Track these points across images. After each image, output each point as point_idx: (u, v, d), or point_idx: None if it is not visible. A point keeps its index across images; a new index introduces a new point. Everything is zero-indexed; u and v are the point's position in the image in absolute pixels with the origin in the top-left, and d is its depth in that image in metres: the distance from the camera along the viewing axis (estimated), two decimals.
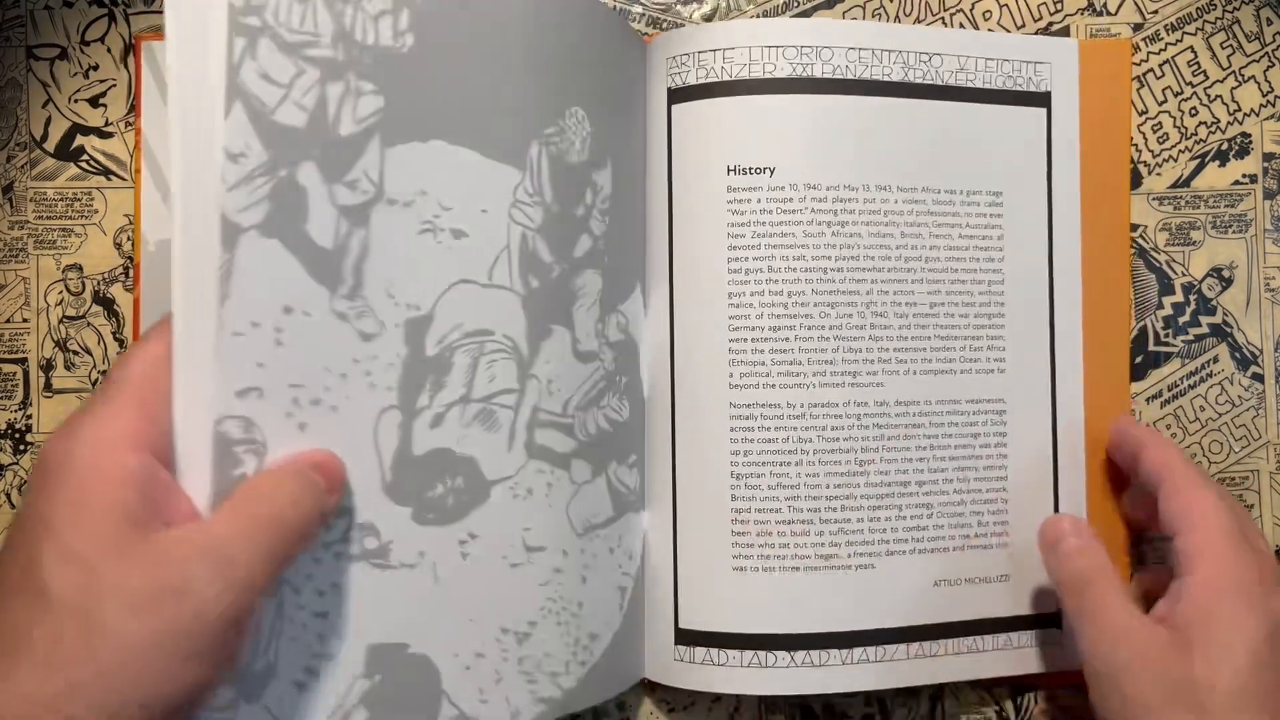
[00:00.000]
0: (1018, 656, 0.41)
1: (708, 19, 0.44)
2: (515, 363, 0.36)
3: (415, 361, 0.33)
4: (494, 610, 0.35)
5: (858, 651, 0.39)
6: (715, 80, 0.40)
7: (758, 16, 0.44)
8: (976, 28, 0.44)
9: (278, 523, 0.27)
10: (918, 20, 0.44)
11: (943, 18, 0.44)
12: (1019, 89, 0.42)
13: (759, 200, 0.39)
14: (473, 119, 0.34)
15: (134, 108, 0.43)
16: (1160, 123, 0.44)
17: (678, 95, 0.40)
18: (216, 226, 0.29)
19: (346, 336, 0.32)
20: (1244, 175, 0.44)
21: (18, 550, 0.26)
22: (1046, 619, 0.41)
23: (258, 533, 0.27)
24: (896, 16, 0.44)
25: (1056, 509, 0.41)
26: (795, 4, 0.44)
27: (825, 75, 0.40)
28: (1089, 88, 0.42)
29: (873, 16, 0.44)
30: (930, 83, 0.41)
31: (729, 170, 0.40)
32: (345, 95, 0.31)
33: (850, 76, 0.40)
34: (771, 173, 0.39)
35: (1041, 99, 0.42)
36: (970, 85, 0.41)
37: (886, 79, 0.40)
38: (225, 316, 0.29)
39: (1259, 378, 0.44)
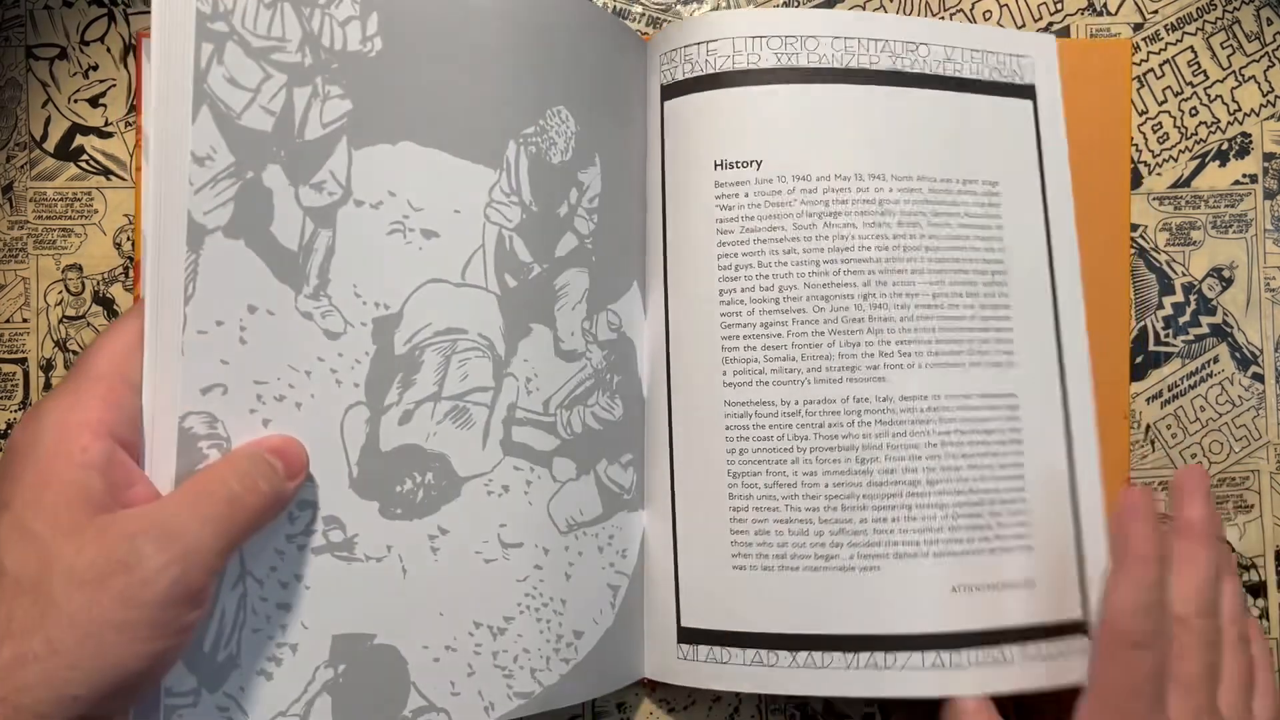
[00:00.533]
0: (1047, 668, 0.38)
1: None
2: (490, 361, 0.36)
3: (383, 359, 0.34)
4: (466, 604, 0.35)
5: (864, 656, 0.38)
6: (701, 74, 0.40)
7: None
8: None
9: (230, 502, 0.28)
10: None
11: (943, 17, 0.44)
12: (1004, 80, 0.42)
13: (747, 194, 0.39)
14: (444, 120, 0.35)
15: (134, 106, 0.43)
16: (1160, 123, 0.44)
17: (669, 91, 0.40)
18: (183, 227, 0.30)
19: (312, 335, 0.32)
20: (1244, 175, 0.44)
21: None
22: (1073, 626, 0.39)
23: (208, 510, 0.27)
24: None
25: (1075, 511, 0.40)
26: (795, 1, 0.44)
27: (811, 65, 0.39)
28: (1084, 85, 0.42)
29: None
30: (918, 71, 0.41)
31: (716, 165, 0.39)
32: (312, 99, 0.32)
33: (837, 65, 0.40)
34: (759, 165, 0.39)
35: (1026, 91, 0.42)
36: (958, 75, 0.41)
37: (873, 67, 0.40)
38: (190, 315, 0.30)
39: (1259, 378, 0.44)
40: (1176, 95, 0.44)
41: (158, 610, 0.26)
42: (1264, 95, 0.44)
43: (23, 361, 0.43)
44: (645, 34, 0.43)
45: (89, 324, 0.43)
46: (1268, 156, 0.44)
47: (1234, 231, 0.44)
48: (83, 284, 0.43)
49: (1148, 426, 0.43)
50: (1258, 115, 0.44)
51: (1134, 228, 0.44)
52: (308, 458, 0.32)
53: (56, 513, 0.26)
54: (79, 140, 0.43)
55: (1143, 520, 0.33)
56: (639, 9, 0.44)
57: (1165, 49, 0.44)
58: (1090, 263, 0.42)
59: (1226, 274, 0.44)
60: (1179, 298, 0.44)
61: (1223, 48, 0.44)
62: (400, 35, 0.33)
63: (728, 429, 0.39)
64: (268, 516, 0.30)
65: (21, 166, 0.43)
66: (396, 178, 0.34)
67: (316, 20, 0.32)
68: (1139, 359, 0.43)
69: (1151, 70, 0.44)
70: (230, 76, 0.31)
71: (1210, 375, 0.44)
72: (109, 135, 0.43)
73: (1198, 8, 0.44)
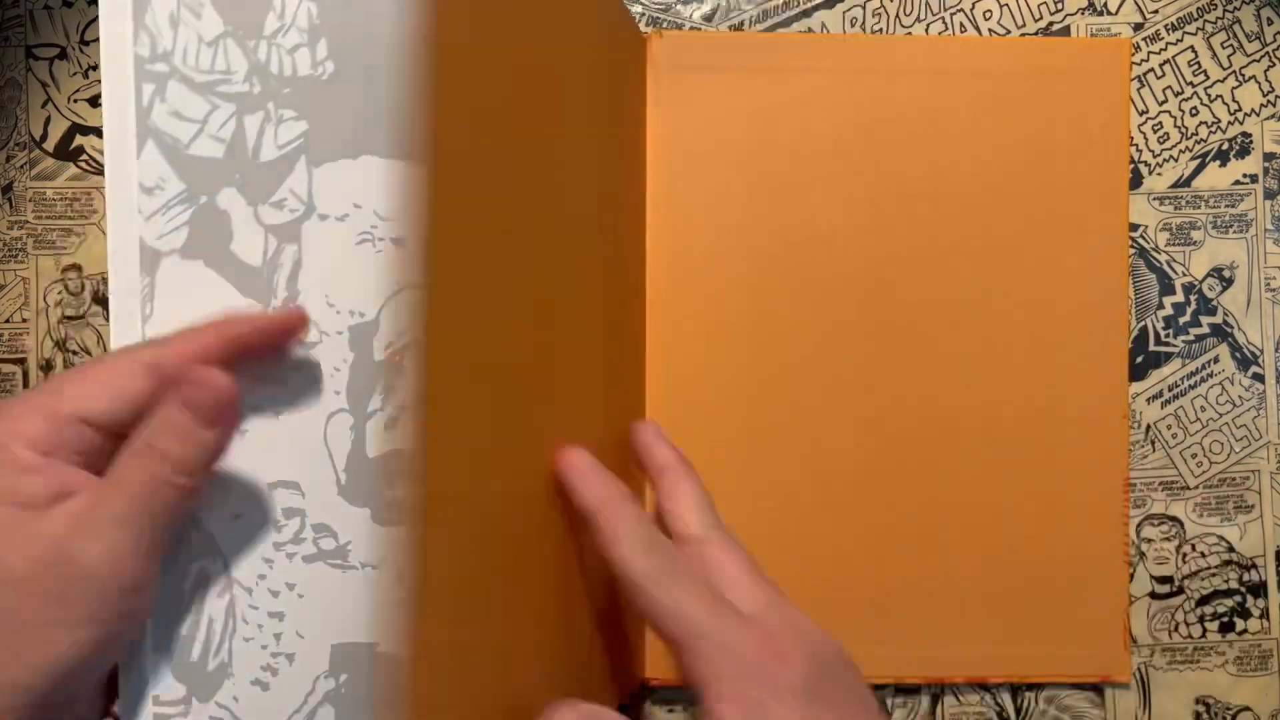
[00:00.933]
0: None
1: (708, 19, 0.44)
2: None
3: (363, 366, 0.34)
4: None
5: None
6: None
7: (757, 16, 0.44)
8: (977, 27, 0.44)
9: (143, 492, 0.27)
10: (918, 19, 0.44)
11: (943, 17, 0.44)
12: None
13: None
14: (404, 133, 0.35)
15: None
16: (1161, 122, 0.44)
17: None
18: (136, 253, 0.32)
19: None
20: (1244, 175, 0.44)
21: None
22: None
23: (122, 506, 0.27)
24: (897, 16, 0.44)
25: None
26: (796, 3, 0.44)
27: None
28: (1083, 84, 0.42)
29: (873, 16, 0.44)
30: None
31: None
32: (265, 123, 0.33)
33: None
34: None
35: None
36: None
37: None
38: (150, 334, 0.32)
39: (1259, 378, 0.44)
40: (1177, 95, 0.44)
41: (91, 605, 0.26)
42: (1264, 95, 0.44)
43: (22, 361, 0.43)
44: (644, 34, 0.43)
45: (88, 324, 0.43)
46: (1268, 156, 0.44)
47: (1234, 231, 0.44)
48: (82, 284, 0.43)
49: (1148, 427, 0.43)
50: (1258, 115, 0.44)
51: (1134, 228, 0.44)
52: (232, 394, 0.28)
53: None
54: (79, 140, 0.43)
55: (586, 470, 0.32)
56: (639, 9, 0.44)
57: (1165, 49, 0.44)
58: (1089, 262, 0.42)
59: (1227, 274, 0.44)
60: (1179, 298, 0.44)
61: (1223, 47, 0.44)
62: (351, 56, 0.34)
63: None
64: (195, 481, 0.28)
65: (21, 166, 0.43)
66: (361, 190, 0.34)
67: (263, 51, 0.33)
68: (1139, 359, 0.43)
69: (1152, 70, 0.44)
70: (175, 111, 0.32)
71: (1210, 375, 0.44)
72: None
73: (1198, 7, 0.44)
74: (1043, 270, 0.42)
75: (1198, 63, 0.44)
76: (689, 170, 0.42)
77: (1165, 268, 0.44)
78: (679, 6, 0.44)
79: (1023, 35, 0.44)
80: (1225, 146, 0.44)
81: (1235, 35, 0.44)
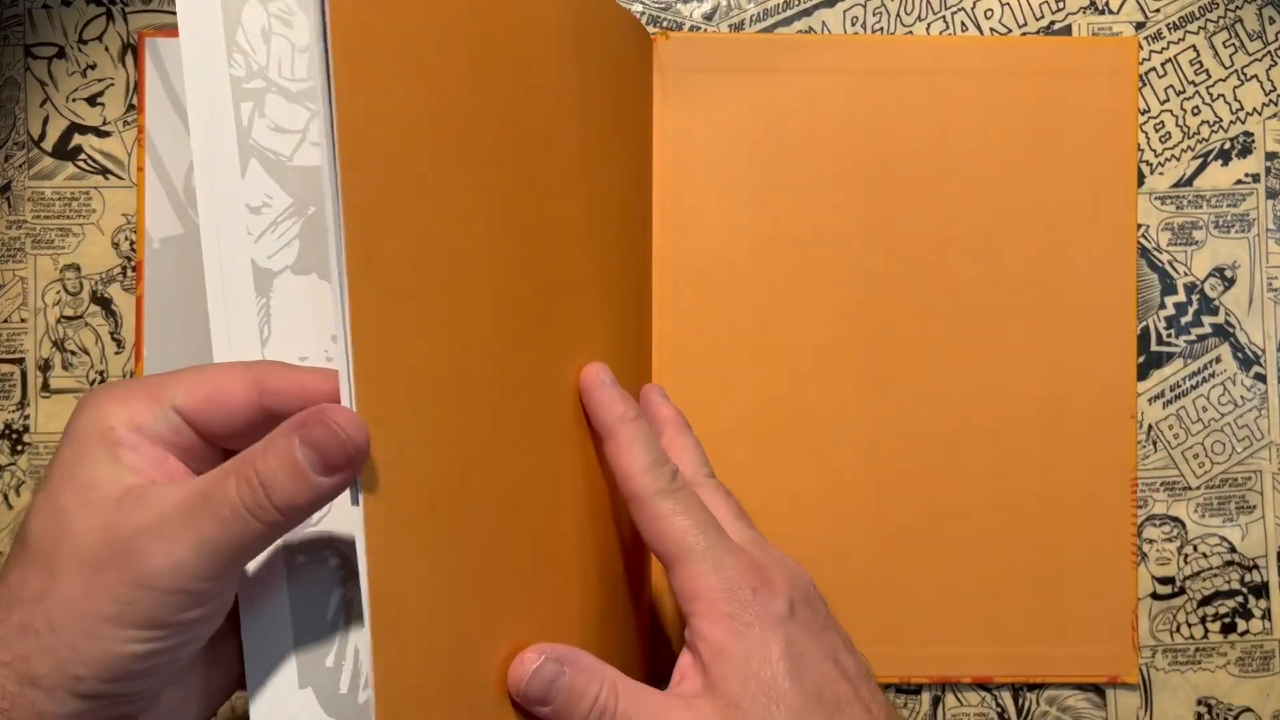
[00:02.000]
0: None
1: (708, 18, 0.44)
2: None
3: None
4: None
5: None
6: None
7: (757, 15, 0.44)
8: (979, 26, 0.44)
9: (232, 520, 0.25)
10: (919, 18, 0.43)
11: (944, 16, 0.44)
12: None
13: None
14: None
15: (134, 105, 0.43)
16: (1162, 122, 0.44)
17: None
18: (249, 275, 0.30)
19: None
20: (1246, 174, 0.44)
21: (31, 500, 0.27)
22: None
23: (207, 528, 0.25)
24: (898, 15, 0.43)
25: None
26: (796, 2, 0.44)
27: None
28: (1090, 84, 0.42)
29: (874, 15, 0.43)
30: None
31: None
32: None
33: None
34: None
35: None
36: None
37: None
38: (270, 356, 0.30)
39: (1261, 378, 0.44)
40: (1179, 94, 0.44)
41: (150, 609, 0.25)
42: (1266, 94, 0.44)
43: (20, 361, 0.43)
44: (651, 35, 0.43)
45: (87, 324, 0.43)
46: (1270, 156, 0.44)
47: (1236, 231, 0.44)
48: (80, 284, 0.43)
49: (1150, 427, 0.43)
50: (1260, 114, 0.44)
51: (1136, 227, 0.43)
52: (361, 442, 0.25)
53: (85, 489, 0.26)
54: (77, 139, 0.43)
55: (607, 385, 0.34)
56: (639, 8, 0.44)
57: (1167, 48, 0.44)
58: (1095, 262, 0.42)
59: (1229, 274, 0.44)
60: (1181, 298, 0.44)
61: (1225, 46, 0.44)
62: None
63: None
64: (291, 523, 0.26)
65: (19, 166, 0.43)
66: None
67: None
68: (1141, 359, 0.43)
69: (1154, 69, 0.44)
70: (275, 125, 0.31)
71: (1212, 375, 0.44)
72: (107, 134, 0.43)
73: (1200, 6, 0.44)
74: (1049, 270, 0.42)
75: (1199, 62, 0.44)
76: (696, 170, 0.42)
77: (1167, 267, 0.44)
78: (679, 5, 0.44)
79: (1024, 34, 0.44)
80: (1227, 146, 0.44)
81: (1237, 34, 0.44)
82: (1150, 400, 0.43)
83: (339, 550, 0.29)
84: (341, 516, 0.29)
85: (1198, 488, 0.43)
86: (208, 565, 0.25)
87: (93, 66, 0.43)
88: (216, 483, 0.25)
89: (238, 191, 0.30)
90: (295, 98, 0.31)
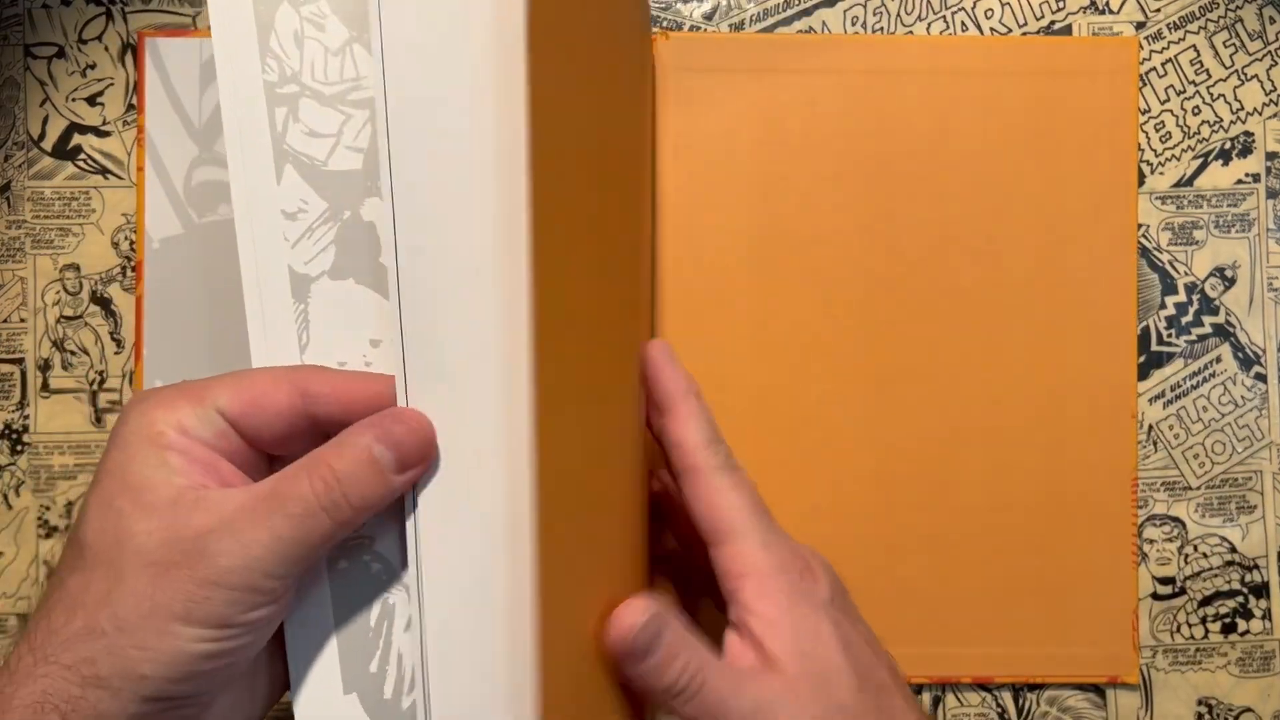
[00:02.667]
0: None
1: (708, 17, 0.44)
2: None
3: None
4: None
5: None
6: None
7: (757, 15, 0.44)
8: (979, 26, 0.44)
9: (305, 517, 0.26)
10: (919, 18, 0.43)
11: (944, 16, 0.44)
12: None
13: None
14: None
15: (134, 105, 0.43)
16: (1163, 121, 0.44)
17: None
18: (286, 281, 0.30)
19: None
20: (1247, 174, 0.44)
21: (82, 505, 0.27)
22: None
23: (279, 526, 0.25)
24: (898, 14, 0.43)
25: None
26: (796, 2, 0.44)
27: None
28: (1090, 83, 0.42)
29: (874, 14, 0.43)
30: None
31: None
32: None
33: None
34: None
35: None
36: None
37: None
38: (308, 361, 0.30)
39: (1262, 378, 0.44)
40: (1179, 94, 0.44)
41: (219, 607, 0.25)
42: (1266, 94, 0.44)
43: (20, 361, 0.43)
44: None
45: (86, 324, 0.43)
46: (1270, 156, 0.44)
47: (1236, 231, 0.44)
48: (80, 284, 0.43)
49: (1150, 427, 0.43)
50: (1260, 114, 0.44)
51: (1136, 227, 0.43)
52: (434, 440, 0.27)
53: (139, 491, 0.26)
54: (77, 139, 0.43)
55: (674, 363, 0.34)
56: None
57: (1167, 48, 0.44)
58: (1096, 261, 0.42)
59: (1229, 274, 0.44)
60: (1181, 297, 0.44)
61: (1225, 46, 0.44)
62: None
63: None
64: (360, 519, 0.27)
65: (19, 165, 0.43)
66: None
67: None
68: (1141, 359, 0.43)
69: (1154, 69, 0.44)
70: (310, 130, 0.31)
71: (1213, 375, 0.44)
72: (107, 134, 0.43)
73: (1200, 6, 0.44)
74: (1050, 270, 0.42)
75: (1200, 62, 0.44)
76: (696, 169, 0.42)
77: (1167, 267, 0.44)
78: (679, 5, 0.44)
79: (1024, 34, 0.44)
80: (1227, 146, 0.44)
81: (1237, 34, 0.44)
82: (1151, 400, 0.43)
83: (380, 555, 0.29)
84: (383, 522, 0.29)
85: (1198, 488, 0.43)
86: (279, 563, 0.25)
87: (92, 66, 0.43)
88: (288, 481, 0.26)
89: (273, 197, 0.30)
90: (329, 101, 0.31)
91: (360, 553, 0.29)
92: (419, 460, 0.27)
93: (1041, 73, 0.42)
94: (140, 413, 0.27)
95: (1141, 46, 0.44)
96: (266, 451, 0.28)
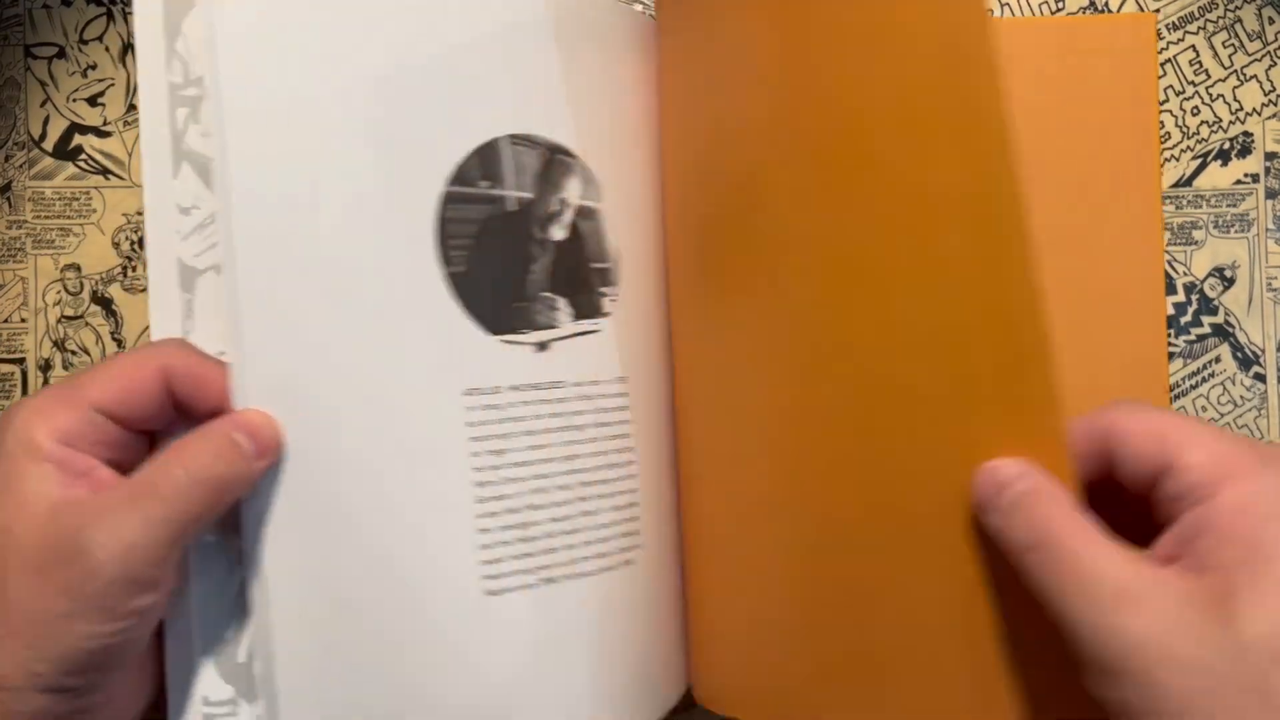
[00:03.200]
0: None
1: None
2: None
3: None
4: None
5: None
6: None
7: None
8: None
9: (175, 497, 0.28)
10: None
11: None
12: None
13: None
14: None
15: (135, 105, 0.43)
16: (1162, 122, 0.44)
17: None
18: (176, 271, 0.32)
19: None
20: (1246, 175, 0.44)
21: None
22: None
23: (152, 508, 0.27)
24: None
25: None
26: None
27: None
28: (1108, 62, 0.42)
29: None
30: None
31: None
32: None
33: None
34: None
35: None
36: None
37: None
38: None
39: (1261, 378, 0.44)
40: (1178, 94, 0.44)
41: (103, 600, 0.26)
42: (1265, 94, 0.44)
43: (21, 361, 0.43)
44: None
45: (87, 324, 0.43)
46: (1269, 156, 0.44)
47: (1236, 231, 0.44)
48: (81, 284, 0.43)
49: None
50: (1259, 114, 0.44)
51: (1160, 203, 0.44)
52: (281, 435, 0.30)
53: (20, 504, 0.27)
54: (77, 139, 0.43)
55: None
56: (639, 8, 0.44)
57: (1167, 48, 0.44)
58: (1124, 239, 0.42)
59: (1228, 274, 0.44)
60: (1181, 297, 0.44)
61: (1224, 47, 0.44)
62: None
63: None
64: (226, 500, 0.29)
65: (20, 166, 0.43)
66: None
67: None
68: None
69: None
70: (208, 131, 0.32)
71: (1212, 375, 0.44)
72: (107, 134, 0.43)
73: (1199, 7, 0.44)
74: (1077, 249, 0.41)
75: (1199, 62, 0.44)
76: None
77: (1167, 267, 0.44)
78: None
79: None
80: (1227, 146, 0.44)
81: (1236, 34, 0.44)
82: None
83: (231, 539, 0.31)
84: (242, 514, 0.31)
85: None
86: (155, 547, 0.27)
87: (93, 67, 0.43)
88: (158, 470, 0.28)
89: (171, 191, 0.32)
90: None
91: (218, 537, 0.31)
92: (274, 449, 0.30)
93: (1061, 52, 0.42)
94: (21, 422, 0.28)
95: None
96: (144, 430, 0.30)
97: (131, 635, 0.27)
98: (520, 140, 0.35)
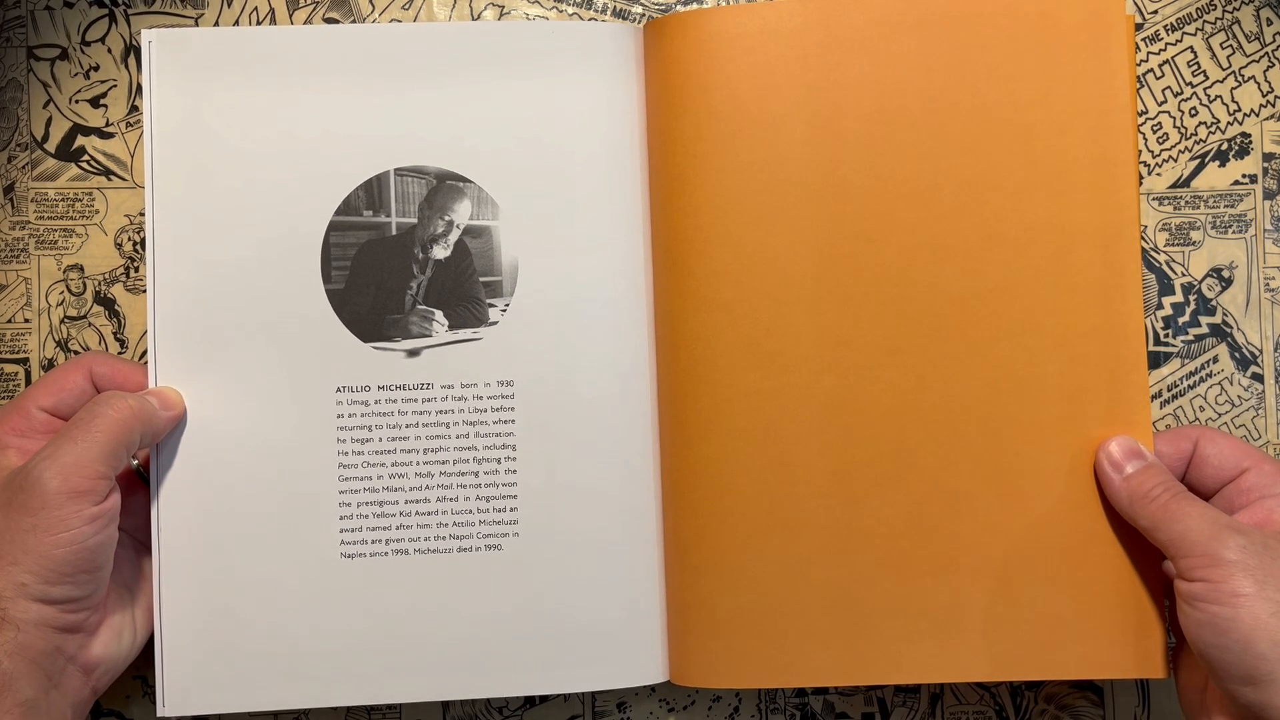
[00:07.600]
0: None
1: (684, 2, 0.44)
2: None
3: None
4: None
5: None
6: None
7: None
8: None
9: (99, 421, 0.35)
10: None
11: None
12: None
13: None
14: None
15: (137, 106, 0.43)
16: (1160, 123, 0.44)
17: None
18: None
19: None
20: (1244, 175, 0.44)
21: None
22: None
23: (79, 433, 0.35)
24: None
25: None
26: None
27: None
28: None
29: None
30: None
31: None
32: None
33: None
34: None
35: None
36: None
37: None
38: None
39: (1259, 378, 0.44)
40: (1176, 95, 0.44)
41: (57, 511, 0.34)
42: (1263, 95, 0.44)
43: (24, 361, 0.43)
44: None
45: (90, 324, 0.43)
46: (1267, 157, 0.44)
47: (1233, 232, 0.44)
48: (84, 284, 0.43)
49: None
50: (1257, 115, 0.44)
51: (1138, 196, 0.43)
52: (183, 402, 0.39)
53: None
54: (80, 140, 0.43)
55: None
56: (639, 9, 0.44)
57: (1165, 49, 0.44)
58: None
59: (1226, 274, 0.44)
60: (1178, 298, 0.44)
61: (1222, 48, 0.44)
62: None
63: None
64: (141, 433, 0.37)
65: (23, 167, 0.43)
66: None
67: None
68: None
69: (1151, 70, 0.44)
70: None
71: (1210, 375, 0.44)
72: (110, 135, 0.43)
73: (1197, 8, 0.44)
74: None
75: (1197, 63, 0.44)
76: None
77: (1164, 268, 0.44)
78: (678, 7, 0.44)
79: None
80: (1224, 147, 0.44)
81: (1234, 36, 0.44)
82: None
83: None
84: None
85: None
86: (89, 465, 0.34)
87: (95, 68, 0.43)
88: (87, 410, 0.36)
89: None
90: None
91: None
92: (178, 406, 0.39)
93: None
94: None
95: (1139, 48, 0.44)
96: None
97: (89, 543, 0.34)
98: (408, 172, 0.41)
